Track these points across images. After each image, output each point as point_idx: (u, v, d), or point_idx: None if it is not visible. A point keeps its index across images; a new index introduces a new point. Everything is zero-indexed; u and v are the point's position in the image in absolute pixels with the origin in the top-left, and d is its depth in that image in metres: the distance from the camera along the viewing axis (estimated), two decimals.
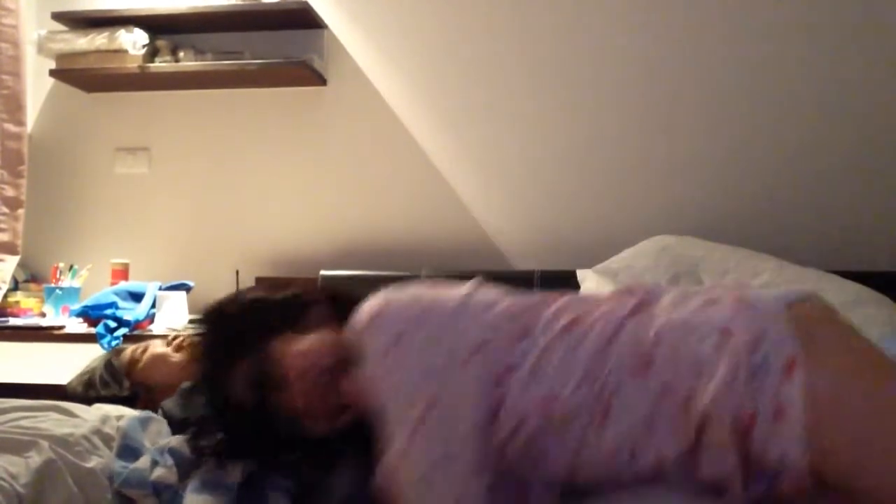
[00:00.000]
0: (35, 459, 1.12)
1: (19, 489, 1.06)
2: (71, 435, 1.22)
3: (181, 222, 2.74)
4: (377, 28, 2.63)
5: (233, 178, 2.72)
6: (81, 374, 1.61)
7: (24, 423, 1.23)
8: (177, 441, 1.23)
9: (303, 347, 1.03)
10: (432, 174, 2.60)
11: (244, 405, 1.04)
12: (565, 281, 2.21)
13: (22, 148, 2.62)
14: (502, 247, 2.56)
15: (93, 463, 1.20)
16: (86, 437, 1.23)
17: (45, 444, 1.15)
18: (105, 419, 1.32)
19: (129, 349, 1.64)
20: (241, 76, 2.59)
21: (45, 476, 1.11)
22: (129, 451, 1.24)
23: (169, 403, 1.42)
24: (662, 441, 0.84)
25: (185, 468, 1.18)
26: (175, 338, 1.65)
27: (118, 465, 1.21)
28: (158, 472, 1.18)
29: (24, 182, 2.62)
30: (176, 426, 1.35)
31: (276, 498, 1.12)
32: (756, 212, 2.41)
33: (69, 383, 1.61)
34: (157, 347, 1.62)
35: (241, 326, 1.08)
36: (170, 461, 1.19)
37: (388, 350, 0.91)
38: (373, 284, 2.48)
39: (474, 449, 0.88)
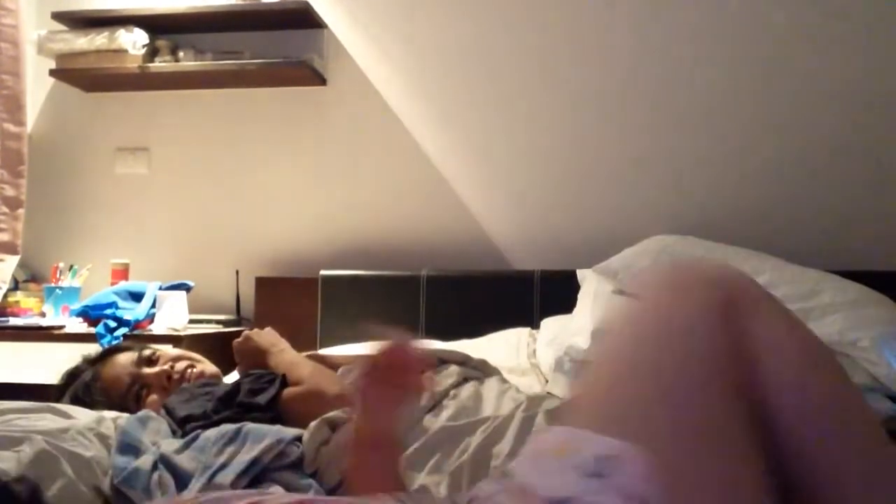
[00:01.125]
0: (27, 452, 1.11)
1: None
2: (66, 429, 1.22)
3: (181, 222, 2.74)
4: (377, 28, 2.63)
5: (233, 178, 2.72)
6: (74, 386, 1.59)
7: (18, 422, 1.23)
8: (167, 447, 1.23)
9: None
10: (432, 174, 2.60)
11: None
12: (565, 281, 2.22)
13: (22, 148, 2.62)
14: (502, 247, 2.56)
15: (91, 453, 1.20)
16: (80, 433, 1.23)
17: (38, 437, 1.15)
18: (100, 420, 1.32)
19: (124, 386, 1.54)
20: (241, 76, 2.59)
21: (39, 466, 1.10)
22: (127, 448, 1.24)
23: (172, 401, 1.42)
24: None
25: (180, 475, 1.18)
26: (168, 376, 1.55)
27: (120, 460, 1.21)
28: (157, 477, 1.18)
29: (24, 182, 2.62)
30: (178, 422, 1.35)
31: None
32: (756, 212, 2.41)
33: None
34: (154, 391, 1.54)
35: None
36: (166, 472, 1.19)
37: None
38: (373, 284, 2.50)
39: None
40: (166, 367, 1.57)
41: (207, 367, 1.63)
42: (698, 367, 0.66)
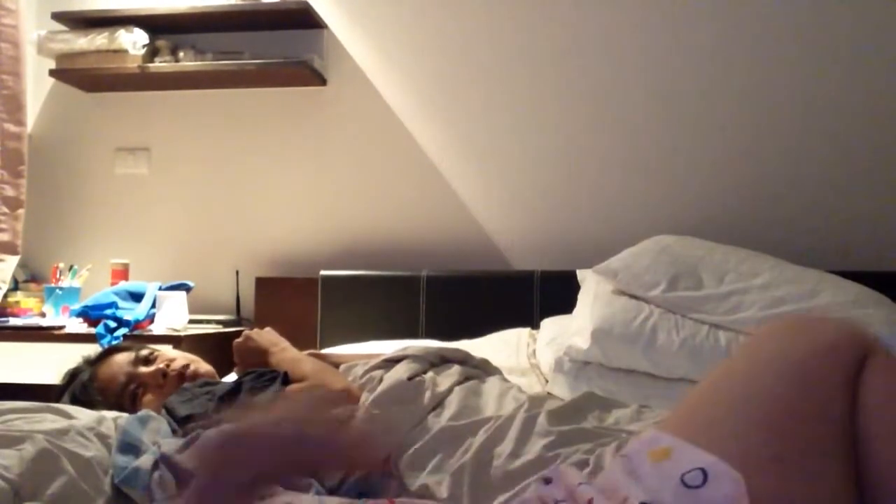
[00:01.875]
0: (28, 450, 1.11)
1: (12, 478, 1.06)
2: (66, 430, 1.22)
3: (181, 222, 2.74)
4: (377, 28, 2.63)
5: (233, 178, 2.72)
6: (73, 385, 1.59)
7: (18, 423, 1.23)
8: (167, 446, 1.23)
9: None
10: (432, 174, 2.60)
11: None
12: (565, 281, 2.22)
13: (22, 148, 2.62)
14: (502, 247, 2.56)
15: (91, 453, 1.20)
16: (80, 433, 1.23)
17: (39, 436, 1.15)
18: (100, 419, 1.32)
19: (119, 386, 1.54)
20: (241, 76, 2.59)
21: (40, 464, 1.10)
22: (128, 447, 1.24)
23: (173, 401, 1.42)
24: None
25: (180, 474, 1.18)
26: (164, 374, 1.55)
27: (120, 460, 1.21)
28: (158, 477, 1.18)
29: (24, 182, 2.62)
30: (178, 422, 1.35)
31: None
32: (756, 212, 2.41)
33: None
34: (150, 390, 1.54)
35: None
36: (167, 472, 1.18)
37: None
38: (373, 284, 2.50)
39: None
40: (161, 365, 1.57)
41: (201, 366, 1.63)
42: (810, 408, 0.69)
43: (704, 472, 0.62)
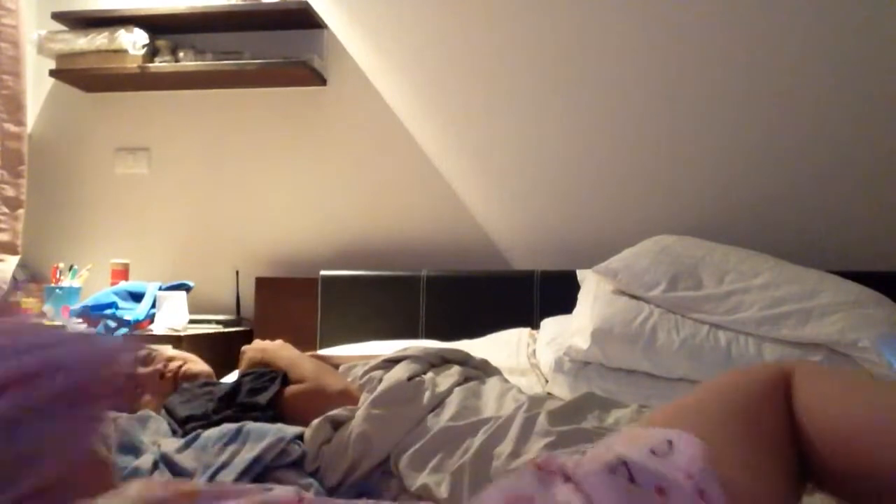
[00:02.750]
0: None
1: None
2: None
3: (181, 222, 2.74)
4: (377, 28, 2.63)
5: (233, 178, 2.72)
6: None
7: None
8: (168, 446, 1.23)
9: None
10: (432, 174, 2.60)
11: None
12: (565, 281, 2.22)
13: (22, 148, 2.62)
14: (502, 247, 2.56)
15: None
16: None
17: None
18: None
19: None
20: (241, 76, 2.59)
21: None
22: (128, 447, 1.24)
23: (173, 401, 1.42)
24: None
25: (181, 474, 1.18)
26: (161, 374, 1.55)
27: (120, 460, 1.21)
28: (158, 476, 1.18)
29: (24, 182, 2.62)
30: (179, 423, 1.35)
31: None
32: (756, 212, 2.41)
33: None
34: (147, 392, 1.53)
35: None
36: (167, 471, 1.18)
37: None
38: (373, 284, 2.50)
39: None
40: (159, 366, 1.57)
41: (198, 365, 1.62)
42: (755, 420, 0.84)
43: (670, 443, 0.73)
